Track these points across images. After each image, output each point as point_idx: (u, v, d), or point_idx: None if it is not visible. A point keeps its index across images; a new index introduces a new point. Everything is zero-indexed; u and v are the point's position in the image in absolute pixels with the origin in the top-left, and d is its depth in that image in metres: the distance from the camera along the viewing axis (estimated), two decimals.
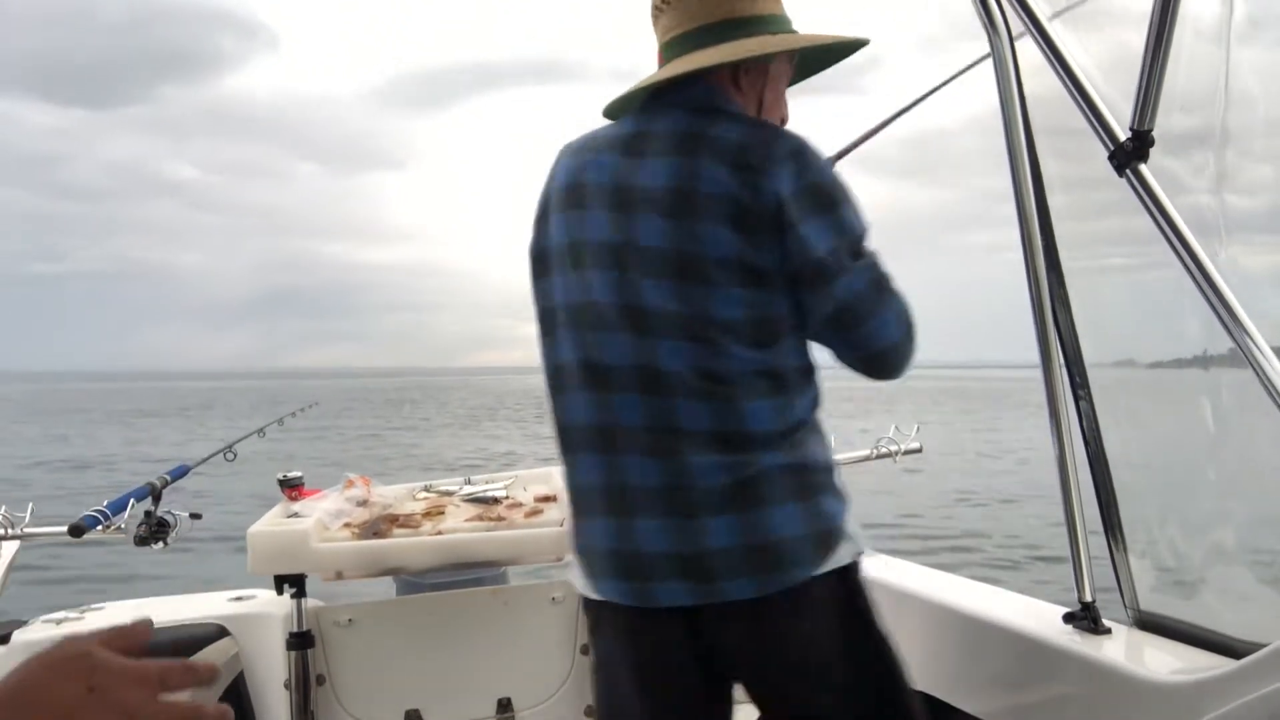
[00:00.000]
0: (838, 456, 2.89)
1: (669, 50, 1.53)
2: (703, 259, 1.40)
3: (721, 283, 1.40)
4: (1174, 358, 1.85)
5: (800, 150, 1.42)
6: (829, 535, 1.46)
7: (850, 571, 1.50)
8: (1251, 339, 1.36)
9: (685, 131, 1.45)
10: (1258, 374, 1.34)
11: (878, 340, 1.47)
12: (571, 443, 1.56)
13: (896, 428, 3.04)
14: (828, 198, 1.42)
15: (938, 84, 2.13)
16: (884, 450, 2.98)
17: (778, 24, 1.52)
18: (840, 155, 2.12)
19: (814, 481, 1.48)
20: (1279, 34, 1.61)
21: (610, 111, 1.60)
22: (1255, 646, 1.44)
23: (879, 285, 1.46)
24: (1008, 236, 1.89)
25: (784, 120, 1.61)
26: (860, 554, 1.52)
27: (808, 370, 1.51)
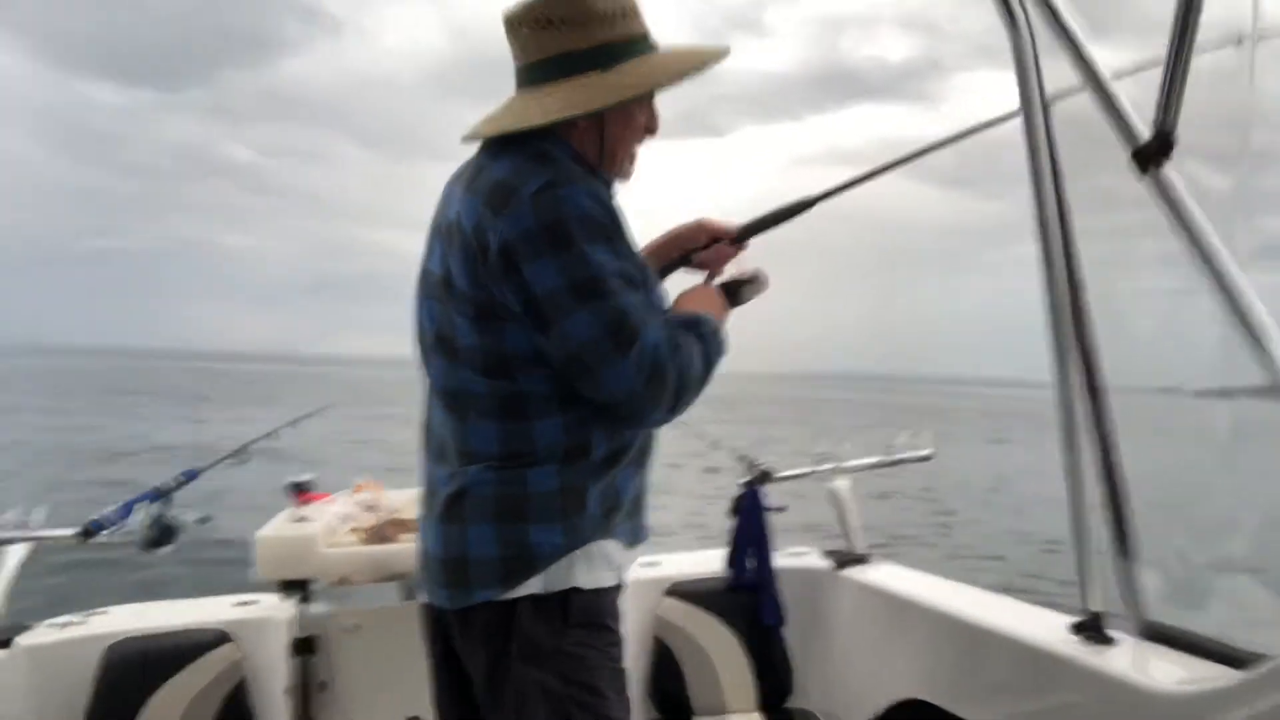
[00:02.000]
0: (848, 463, 2.92)
1: (516, 78, 1.55)
2: (451, 287, 1.48)
3: (460, 312, 1.47)
4: (1191, 371, 1.83)
5: (543, 190, 1.39)
6: (522, 562, 1.47)
7: (543, 603, 1.47)
8: (1272, 348, 1.35)
9: (476, 167, 1.53)
10: (1276, 381, 1.33)
11: (611, 387, 1.40)
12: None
13: (909, 434, 3.03)
14: (559, 238, 1.37)
15: (956, 134, 2.09)
16: (896, 457, 2.98)
17: (613, 55, 1.48)
18: (821, 198, 1.91)
19: (525, 508, 1.47)
20: None
21: (468, 138, 1.59)
22: (1260, 658, 1.43)
23: (616, 330, 1.38)
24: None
25: (651, 131, 1.60)
26: (573, 588, 1.48)
27: (565, 400, 1.47)
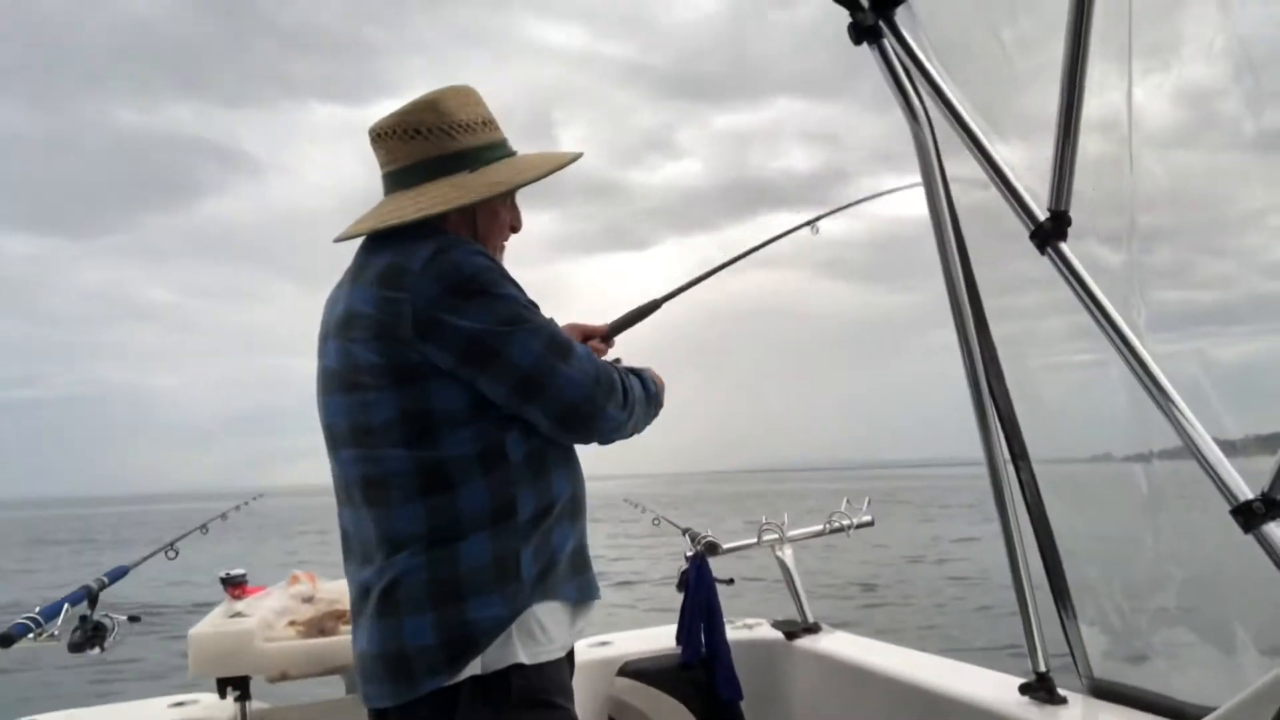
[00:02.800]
0: (792, 532, 2.93)
1: (384, 183, 1.65)
2: (357, 370, 1.50)
3: (375, 387, 1.48)
4: (1107, 431, 1.90)
5: (434, 256, 1.48)
6: (464, 642, 1.46)
7: (484, 684, 1.46)
8: (1176, 406, 1.41)
9: (357, 265, 1.59)
10: (1184, 439, 1.38)
11: (568, 394, 1.51)
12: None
13: (848, 502, 3.05)
14: (469, 292, 1.47)
15: (759, 243, 2.39)
16: (837, 524, 2.99)
17: (478, 158, 1.61)
18: (666, 299, 2.18)
19: (460, 586, 1.46)
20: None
21: (343, 239, 1.67)
22: (1204, 710, 1.45)
23: (553, 344, 1.51)
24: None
25: (515, 228, 1.72)
26: (515, 664, 1.47)
27: (488, 462, 1.49)
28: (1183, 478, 1.54)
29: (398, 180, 1.62)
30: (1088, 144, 1.45)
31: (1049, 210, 1.50)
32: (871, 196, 2.52)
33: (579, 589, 1.61)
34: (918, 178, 1.96)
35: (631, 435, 1.68)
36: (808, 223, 2.53)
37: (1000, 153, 1.59)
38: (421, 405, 1.48)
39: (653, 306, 2.12)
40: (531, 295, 1.58)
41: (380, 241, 1.58)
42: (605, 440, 1.63)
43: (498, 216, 1.68)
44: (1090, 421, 1.94)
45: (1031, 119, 1.54)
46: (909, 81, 1.87)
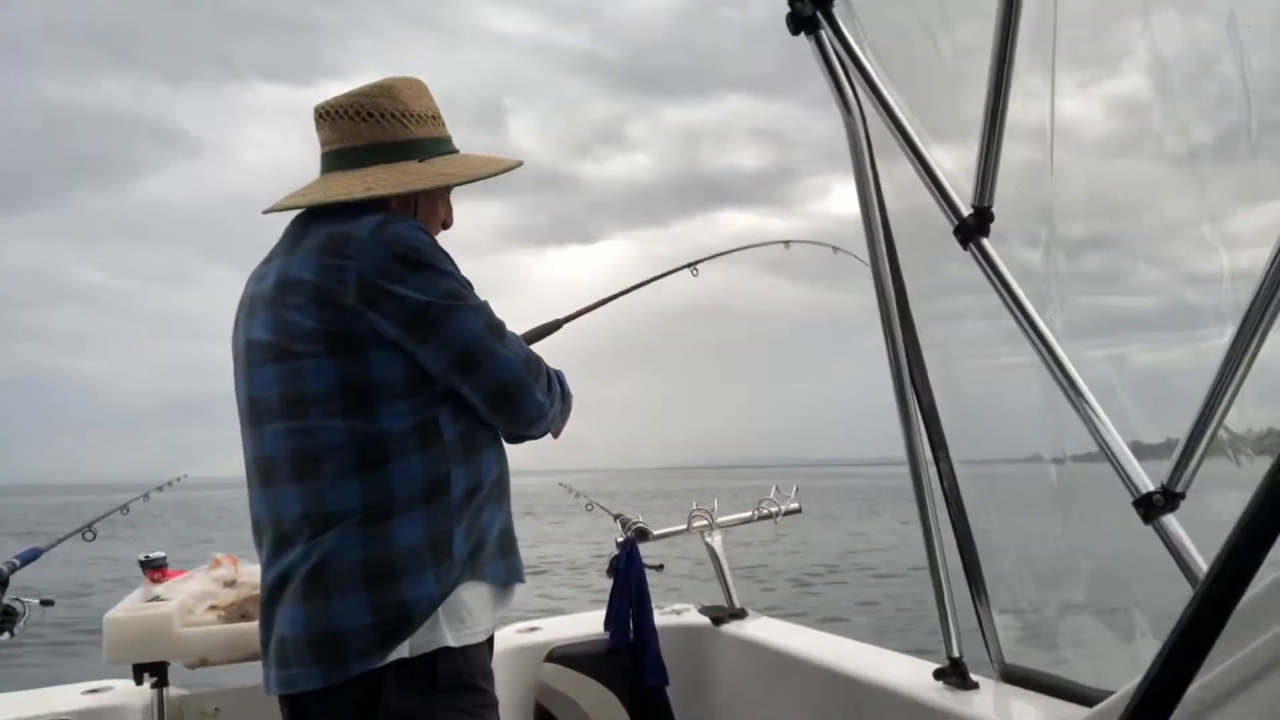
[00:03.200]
0: (722, 519, 2.97)
1: (324, 162, 1.65)
2: (293, 337, 1.48)
3: (313, 354, 1.47)
4: (1021, 424, 1.97)
5: (379, 226, 1.50)
6: (399, 622, 1.46)
7: (409, 667, 1.46)
8: (1086, 401, 1.47)
9: (295, 234, 1.59)
10: (1091, 432, 1.44)
11: (502, 374, 1.53)
12: (254, 539, 1.64)
13: (777, 488, 3.10)
14: (414, 263, 1.49)
15: (642, 281, 2.59)
16: (766, 511, 3.04)
17: (426, 149, 1.63)
18: (569, 319, 2.36)
19: (394, 565, 1.46)
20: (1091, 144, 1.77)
21: (273, 210, 1.67)
22: (1106, 694, 1.51)
23: (490, 325, 1.54)
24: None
25: (446, 225, 1.74)
26: (442, 648, 1.48)
27: (423, 437, 1.50)
28: (1092, 473, 1.60)
29: (343, 159, 1.62)
30: (1014, 150, 1.49)
31: (973, 207, 1.55)
32: (749, 246, 2.78)
33: (505, 571, 1.61)
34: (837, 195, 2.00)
35: (549, 429, 1.68)
36: (688, 265, 2.69)
37: (932, 154, 1.63)
38: (361, 375, 1.46)
39: (555, 326, 2.28)
40: (482, 288, 1.59)
41: (319, 215, 1.58)
42: (528, 429, 1.63)
43: (436, 210, 1.70)
44: (1006, 416, 2.01)
45: (964, 123, 1.58)
46: (844, 75, 1.90)
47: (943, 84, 1.88)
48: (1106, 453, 1.44)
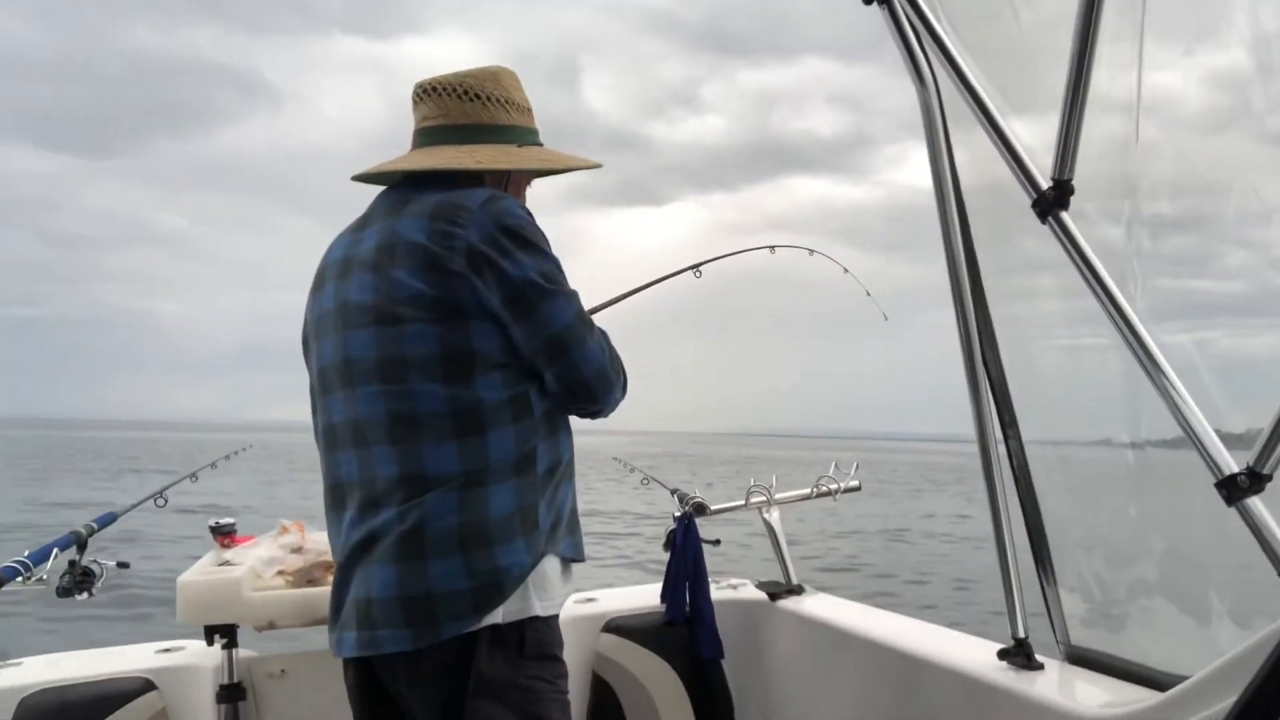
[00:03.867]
0: (780, 495, 2.95)
1: (422, 137, 1.69)
2: (396, 300, 1.50)
3: (417, 319, 1.49)
4: (1098, 403, 1.91)
5: (490, 200, 1.55)
6: (493, 588, 1.47)
7: (501, 634, 1.48)
8: (1168, 379, 1.42)
9: (397, 200, 1.62)
10: (1173, 412, 1.40)
11: (587, 366, 1.58)
12: (328, 502, 1.65)
13: (836, 465, 3.07)
14: (522, 239, 1.53)
15: (648, 282, 2.61)
16: (825, 488, 3.01)
17: (523, 136, 1.71)
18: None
19: (488, 531, 1.48)
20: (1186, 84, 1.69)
21: (362, 178, 1.73)
22: (1178, 679, 1.48)
23: (581, 315, 1.59)
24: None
25: None
26: (531, 616, 1.50)
27: (516, 410, 1.53)
28: (1170, 454, 1.55)
29: (446, 134, 1.66)
30: (1098, 123, 1.44)
31: (1052, 179, 1.50)
32: (759, 247, 2.88)
33: (573, 548, 1.64)
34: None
35: (609, 414, 1.73)
36: (693, 266, 2.78)
37: (1010, 127, 1.58)
38: (462, 343, 1.49)
39: None
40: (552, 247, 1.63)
41: (422, 184, 1.61)
42: (596, 417, 1.69)
43: (522, 193, 1.76)
44: (1081, 394, 1.95)
45: (1043, 96, 1.53)
46: (919, 46, 1.86)
47: (1021, 55, 1.83)
48: (1188, 432, 1.39)
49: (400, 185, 1.66)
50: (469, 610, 1.45)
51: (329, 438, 1.62)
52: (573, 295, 1.58)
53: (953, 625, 2.36)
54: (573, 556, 1.64)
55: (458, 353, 1.49)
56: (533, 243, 1.54)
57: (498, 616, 1.47)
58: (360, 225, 1.65)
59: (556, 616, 1.58)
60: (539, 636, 1.52)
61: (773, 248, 2.96)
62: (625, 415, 1.74)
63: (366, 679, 1.59)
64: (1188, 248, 1.72)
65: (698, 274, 2.80)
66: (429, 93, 1.68)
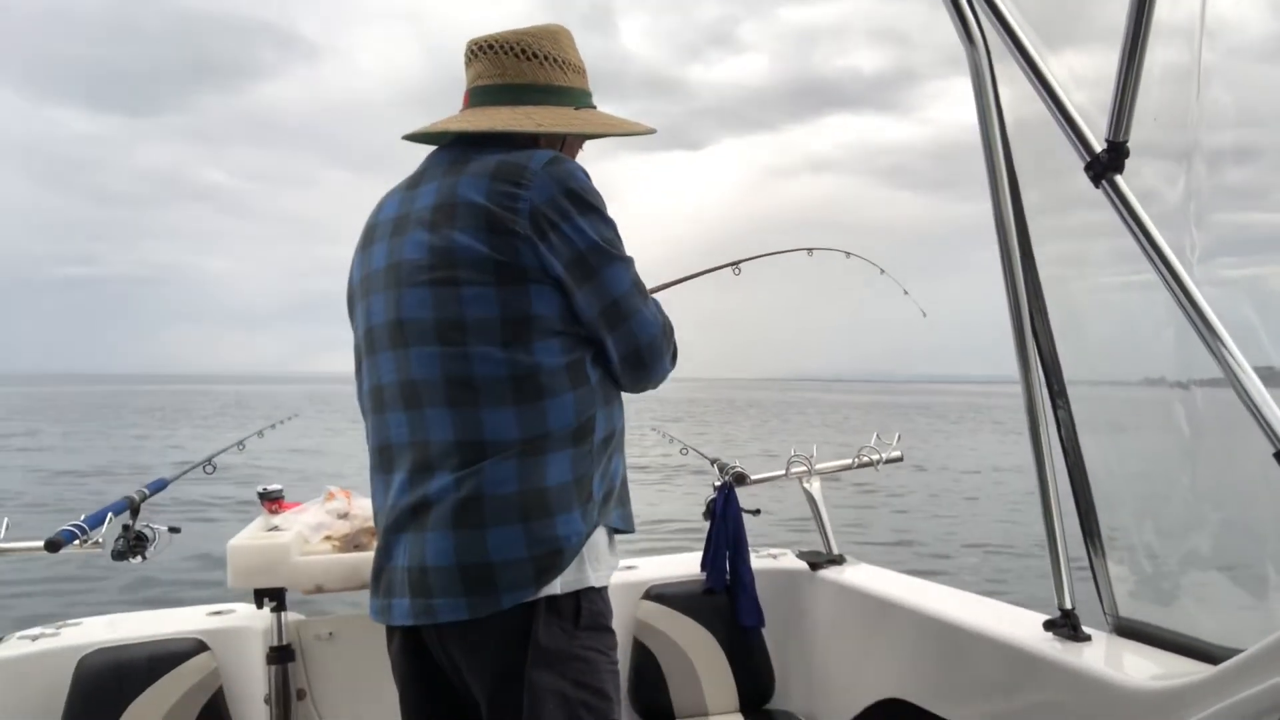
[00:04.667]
0: (820, 465, 2.94)
1: (477, 96, 1.65)
2: (455, 261, 1.47)
3: (478, 282, 1.45)
4: (1151, 370, 1.87)
5: (552, 162, 1.51)
6: (552, 556, 1.45)
7: (558, 604, 1.47)
8: (1226, 347, 1.39)
9: (454, 159, 1.57)
10: (1231, 381, 1.36)
11: (643, 334, 1.56)
12: (374, 463, 1.63)
13: (878, 436, 3.05)
14: (585, 204, 1.51)
15: (684, 276, 2.52)
16: (866, 459, 3.00)
17: (578, 98, 1.68)
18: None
19: (547, 500, 1.46)
20: (1246, 47, 1.63)
21: (414, 137, 1.69)
22: (1232, 652, 1.45)
23: (637, 282, 1.57)
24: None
25: None
26: (587, 587, 1.50)
27: (574, 376, 1.51)
28: (1225, 419, 1.51)
29: (502, 94, 1.63)
30: (1155, 62, 1.39)
31: (1106, 141, 1.45)
32: (796, 249, 2.82)
33: (622, 519, 1.64)
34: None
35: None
36: (732, 263, 2.73)
37: (1057, 75, 1.53)
38: (522, 306, 1.46)
39: None
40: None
41: (480, 143, 1.57)
42: (647, 388, 1.66)
43: (575, 155, 1.72)
44: (1134, 364, 1.91)
45: (1097, 58, 1.48)
46: (968, 5, 1.81)
47: (1073, 13, 1.77)
48: (1245, 401, 1.35)
49: (456, 143, 1.62)
50: (529, 579, 1.43)
51: (376, 399, 1.58)
52: (629, 261, 1.55)
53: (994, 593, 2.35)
54: (623, 528, 1.63)
55: (517, 316, 1.46)
56: (595, 206, 1.52)
57: (556, 587, 1.46)
58: (414, 183, 1.61)
59: (607, 588, 1.57)
60: (594, 607, 1.51)
61: (810, 250, 2.95)
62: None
63: (413, 647, 1.57)
64: (1251, 184, 1.65)
65: (737, 271, 2.81)
66: (485, 50, 1.64)
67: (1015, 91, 1.79)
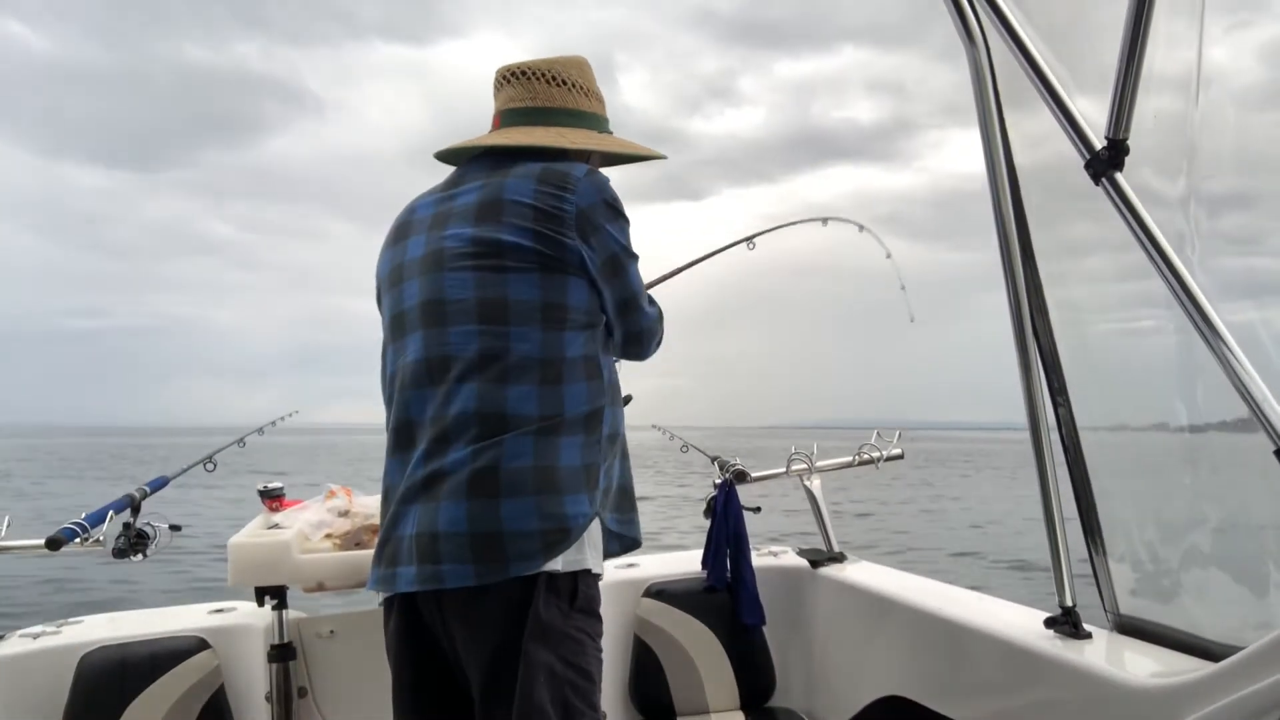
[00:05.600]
0: (821, 463, 2.94)
1: (507, 117, 1.80)
2: (499, 250, 1.60)
3: (522, 269, 1.59)
4: (1149, 366, 1.87)
5: (590, 174, 1.68)
6: (560, 532, 1.53)
7: (557, 582, 1.53)
8: (1225, 344, 1.38)
9: (495, 165, 1.72)
10: (1230, 377, 1.36)
11: (645, 321, 1.78)
12: (391, 443, 1.70)
13: (878, 434, 3.05)
14: (616, 211, 1.69)
15: (702, 256, 2.70)
16: (866, 456, 3.00)
17: (600, 123, 1.85)
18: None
19: (558, 478, 1.55)
20: (1251, 39, 1.63)
21: (442, 156, 1.85)
22: (1232, 649, 1.45)
23: (642, 283, 1.77)
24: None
25: None
26: (585, 569, 1.58)
27: (590, 369, 1.65)
28: (1226, 417, 1.51)
29: (534, 116, 1.78)
30: (1152, 91, 1.39)
31: (1106, 139, 1.45)
32: (810, 220, 2.99)
33: (618, 523, 1.71)
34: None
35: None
36: (746, 239, 2.91)
37: (1063, 89, 1.54)
38: (560, 296, 1.60)
39: None
40: None
41: (514, 156, 1.71)
42: (638, 359, 1.87)
43: None
44: (1135, 361, 1.91)
45: (1099, 59, 1.48)
46: (969, 3, 1.81)
47: (1075, 15, 1.77)
48: (1246, 398, 1.35)
49: (489, 156, 1.75)
50: (537, 551, 1.50)
51: (402, 377, 1.67)
52: (638, 265, 1.74)
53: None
54: (619, 532, 1.71)
55: (555, 304, 1.59)
56: (623, 215, 1.70)
57: (558, 564, 1.52)
58: (451, 185, 1.75)
59: (600, 577, 1.64)
60: (589, 591, 1.58)
61: (825, 220, 3.01)
62: (669, 409, 1.92)
63: (409, 622, 1.62)
64: (1241, 226, 1.67)
65: (751, 246, 2.90)
66: (518, 76, 1.79)
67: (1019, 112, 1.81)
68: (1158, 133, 1.55)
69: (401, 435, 1.65)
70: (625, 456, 1.77)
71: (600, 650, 1.61)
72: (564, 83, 1.79)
